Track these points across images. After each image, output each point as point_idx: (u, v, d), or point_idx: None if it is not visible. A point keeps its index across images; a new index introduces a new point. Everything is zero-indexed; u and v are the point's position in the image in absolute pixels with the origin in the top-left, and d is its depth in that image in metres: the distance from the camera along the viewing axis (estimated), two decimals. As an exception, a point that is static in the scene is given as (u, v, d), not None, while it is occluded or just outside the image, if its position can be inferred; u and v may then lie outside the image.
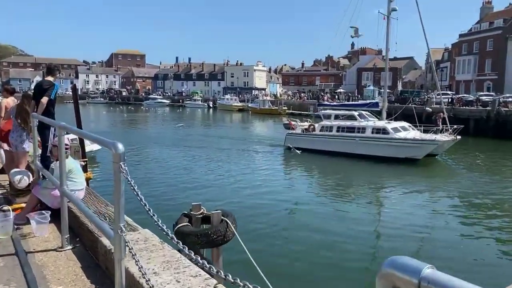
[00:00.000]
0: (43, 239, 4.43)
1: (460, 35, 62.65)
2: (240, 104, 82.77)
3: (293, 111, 68.19)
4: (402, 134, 24.07)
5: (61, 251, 4.05)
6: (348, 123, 25.93)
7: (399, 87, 75.26)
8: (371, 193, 17.75)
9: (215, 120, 65.63)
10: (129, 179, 2.52)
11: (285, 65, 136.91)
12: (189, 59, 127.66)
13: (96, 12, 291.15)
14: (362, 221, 13.32)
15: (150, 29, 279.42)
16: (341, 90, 76.94)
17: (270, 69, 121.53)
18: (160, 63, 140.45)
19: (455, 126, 24.02)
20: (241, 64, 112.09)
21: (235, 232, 5.84)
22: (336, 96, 73.26)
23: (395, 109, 31.62)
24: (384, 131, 24.14)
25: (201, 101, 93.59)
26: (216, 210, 6.06)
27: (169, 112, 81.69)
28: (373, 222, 13.69)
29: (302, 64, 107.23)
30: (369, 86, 60.55)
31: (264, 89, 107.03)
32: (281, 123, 56.36)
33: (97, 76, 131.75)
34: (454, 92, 53.82)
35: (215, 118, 70.70)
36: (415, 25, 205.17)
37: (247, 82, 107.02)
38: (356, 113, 26.12)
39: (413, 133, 24.30)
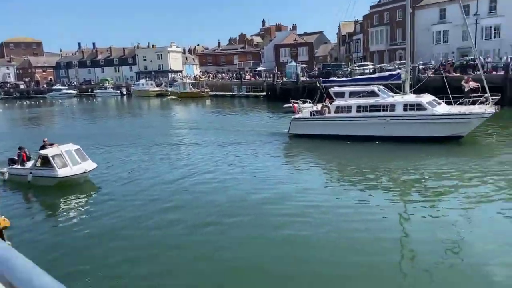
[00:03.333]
0: None
1: (371, 7, 64.48)
2: (157, 89, 77.93)
3: (216, 93, 65.67)
4: (440, 109, 20.60)
5: None
6: (371, 100, 21.60)
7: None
8: (419, 186, 14.07)
9: (133, 108, 60.58)
10: None
11: (198, 45, 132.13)
12: (94, 44, 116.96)
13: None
14: (401, 226, 10.99)
15: (45, 12, 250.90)
16: (262, 68, 75.77)
17: (184, 49, 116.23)
18: (61, 51, 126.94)
19: (487, 95, 20.21)
20: (153, 46, 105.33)
21: None
22: (257, 74, 72.11)
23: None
24: (419, 106, 20.37)
25: (113, 89, 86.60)
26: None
27: (77, 103, 74.01)
28: (421, 226, 10.81)
29: (219, 43, 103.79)
30: (290, 62, 59.80)
31: (181, 71, 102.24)
32: (204, 106, 54.83)
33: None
34: (373, 63, 55.28)
35: (132, 105, 65.45)
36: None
37: (162, 64, 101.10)
38: (376, 88, 22.15)
39: (449, 107, 20.85)
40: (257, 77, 67.15)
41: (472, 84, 23.42)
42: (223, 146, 23.20)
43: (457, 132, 20.14)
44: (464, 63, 39.34)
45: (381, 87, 22.75)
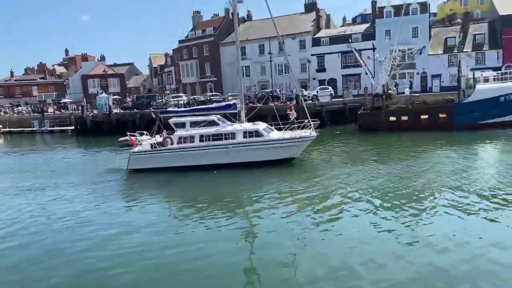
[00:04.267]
0: None
1: (180, 41, 67.18)
2: None
3: (11, 129, 56.55)
4: (274, 135, 22.82)
5: None
6: (212, 129, 22.50)
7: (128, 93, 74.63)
8: (262, 206, 15.20)
9: None
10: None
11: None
12: None
13: None
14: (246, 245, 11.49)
15: None
16: (68, 100, 69.32)
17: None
18: None
19: (306, 121, 23.28)
20: None
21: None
22: (62, 106, 65.60)
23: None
24: (257, 133, 22.23)
25: None
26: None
27: None
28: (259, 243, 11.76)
29: (11, 73, 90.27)
30: (101, 93, 56.64)
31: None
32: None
33: None
34: (187, 94, 57.19)
35: None
36: (132, 30, 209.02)
37: None
38: (215, 118, 23.20)
39: (281, 133, 23.05)
40: (63, 110, 61.08)
41: (294, 114, 27.05)
42: (32, 192, 19.49)
43: (290, 155, 22.68)
44: (265, 94, 44.62)
45: (219, 116, 23.85)
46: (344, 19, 72.34)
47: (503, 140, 26.26)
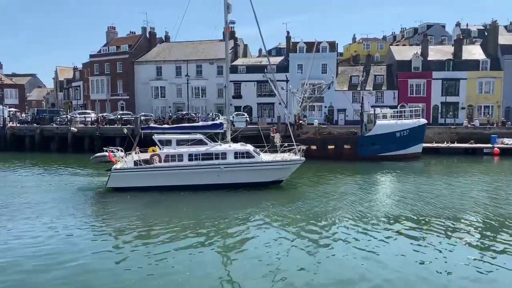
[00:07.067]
0: None
1: (91, 56, 63.69)
2: None
3: None
4: (264, 157, 22.53)
5: None
6: (202, 148, 21.78)
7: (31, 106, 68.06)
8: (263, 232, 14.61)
9: None
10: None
11: None
12: None
13: None
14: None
15: None
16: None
17: None
18: None
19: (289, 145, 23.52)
20: None
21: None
22: None
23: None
24: (248, 154, 21.88)
25: None
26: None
27: None
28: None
29: None
30: (-7, 104, 50.92)
31: None
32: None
33: None
34: (95, 111, 53.96)
35: None
36: (37, 38, 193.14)
37: None
38: (203, 137, 22.51)
39: (270, 155, 23.02)
40: None
41: (278, 136, 27.28)
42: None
43: (279, 177, 22.74)
44: (180, 116, 44.01)
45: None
46: (260, 50, 75.31)
47: (398, 172, 29.01)
